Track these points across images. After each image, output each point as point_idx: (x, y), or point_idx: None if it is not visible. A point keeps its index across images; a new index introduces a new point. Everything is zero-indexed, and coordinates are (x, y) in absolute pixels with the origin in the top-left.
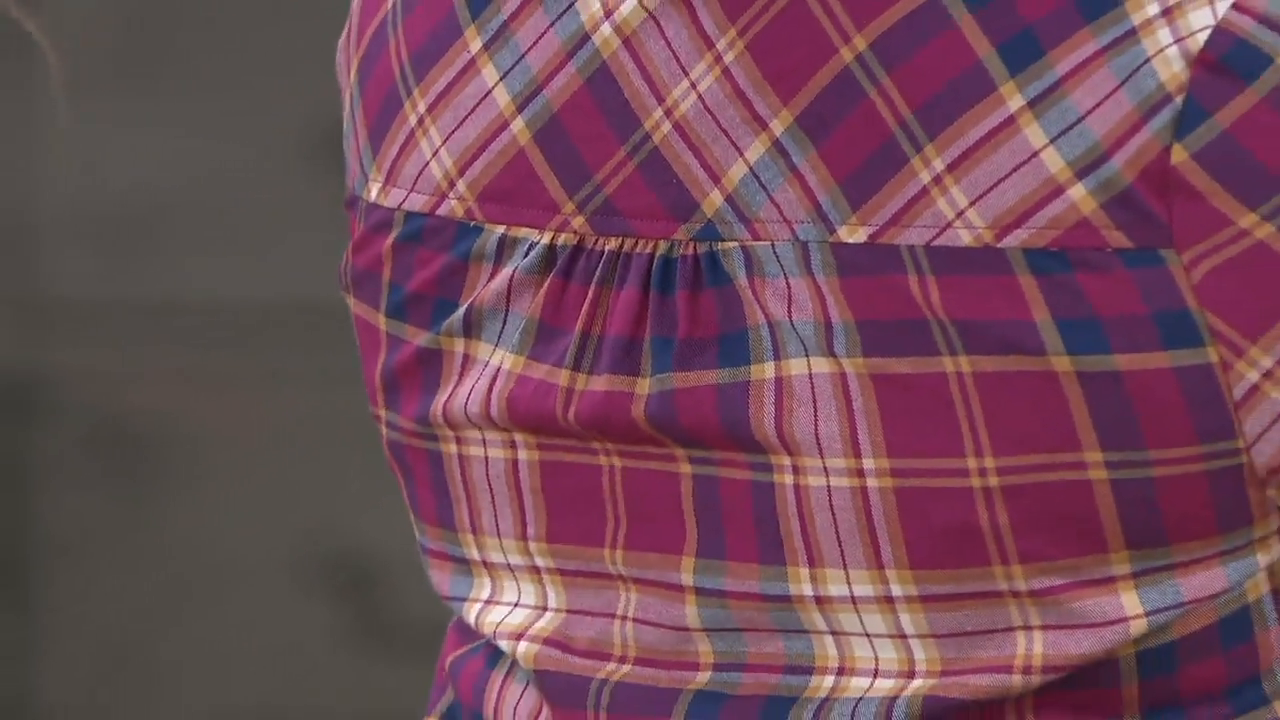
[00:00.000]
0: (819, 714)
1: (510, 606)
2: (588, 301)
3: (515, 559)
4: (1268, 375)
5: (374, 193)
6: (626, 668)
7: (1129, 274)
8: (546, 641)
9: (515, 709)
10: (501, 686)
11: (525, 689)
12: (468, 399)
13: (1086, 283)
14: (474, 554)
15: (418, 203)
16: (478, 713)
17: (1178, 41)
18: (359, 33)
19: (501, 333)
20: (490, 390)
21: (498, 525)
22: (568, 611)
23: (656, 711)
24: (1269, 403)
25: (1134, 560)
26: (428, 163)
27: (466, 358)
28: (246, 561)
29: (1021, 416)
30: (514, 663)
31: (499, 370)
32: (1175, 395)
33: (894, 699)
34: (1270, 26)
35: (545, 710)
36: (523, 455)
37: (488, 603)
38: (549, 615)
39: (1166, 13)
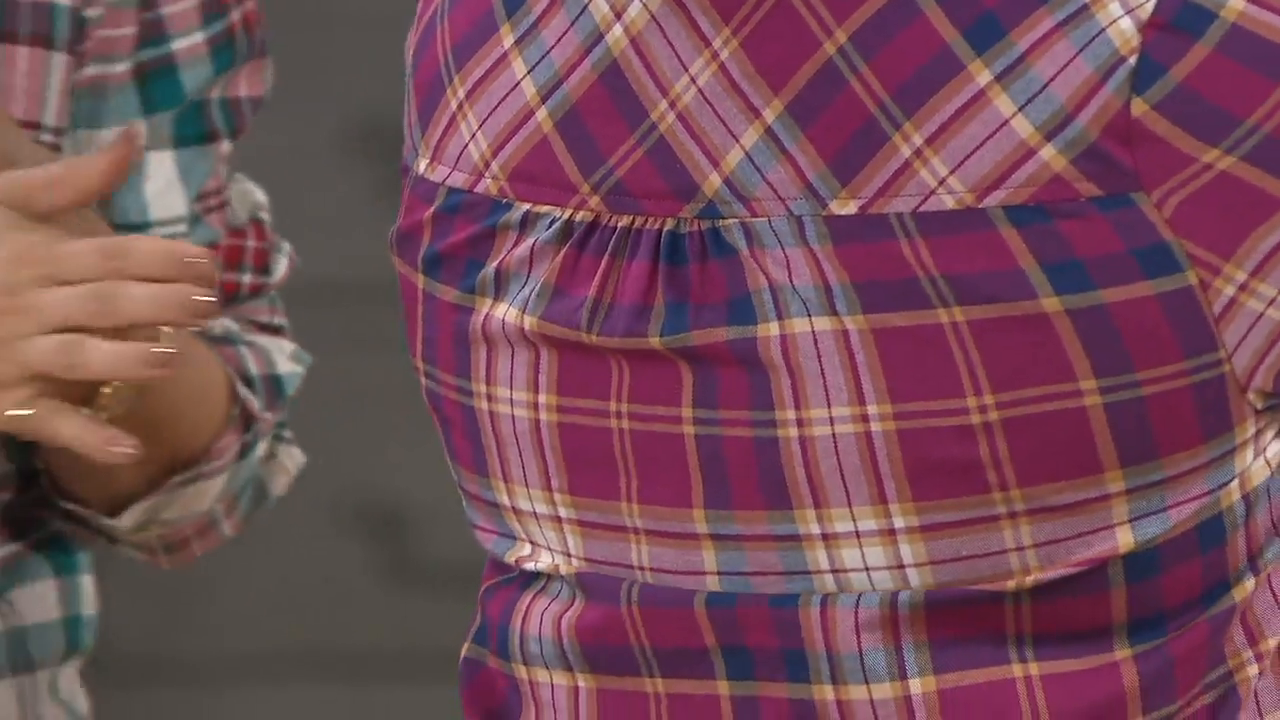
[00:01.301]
0: (827, 596)
1: (541, 548)
2: (600, 271)
3: (541, 508)
4: (1243, 287)
5: (422, 167)
6: (647, 575)
7: (1104, 217)
8: (586, 560)
9: (542, 616)
10: (531, 601)
11: (553, 601)
12: (493, 357)
13: (1067, 229)
14: (504, 500)
15: (459, 180)
16: (504, 627)
17: (1129, 12)
18: (418, 20)
19: (519, 293)
20: (527, 351)
21: (525, 476)
22: (586, 559)
23: (682, 603)
24: (1245, 312)
25: (1127, 477)
26: (466, 144)
27: (489, 316)
28: (290, 507)
29: (1016, 355)
30: (546, 581)
31: (533, 331)
32: (1159, 319)
33: (896, 592)
34: None
35: (573, 609)
36: (544, 416)
37: (519, 541)
38: (574, 562)
39: None
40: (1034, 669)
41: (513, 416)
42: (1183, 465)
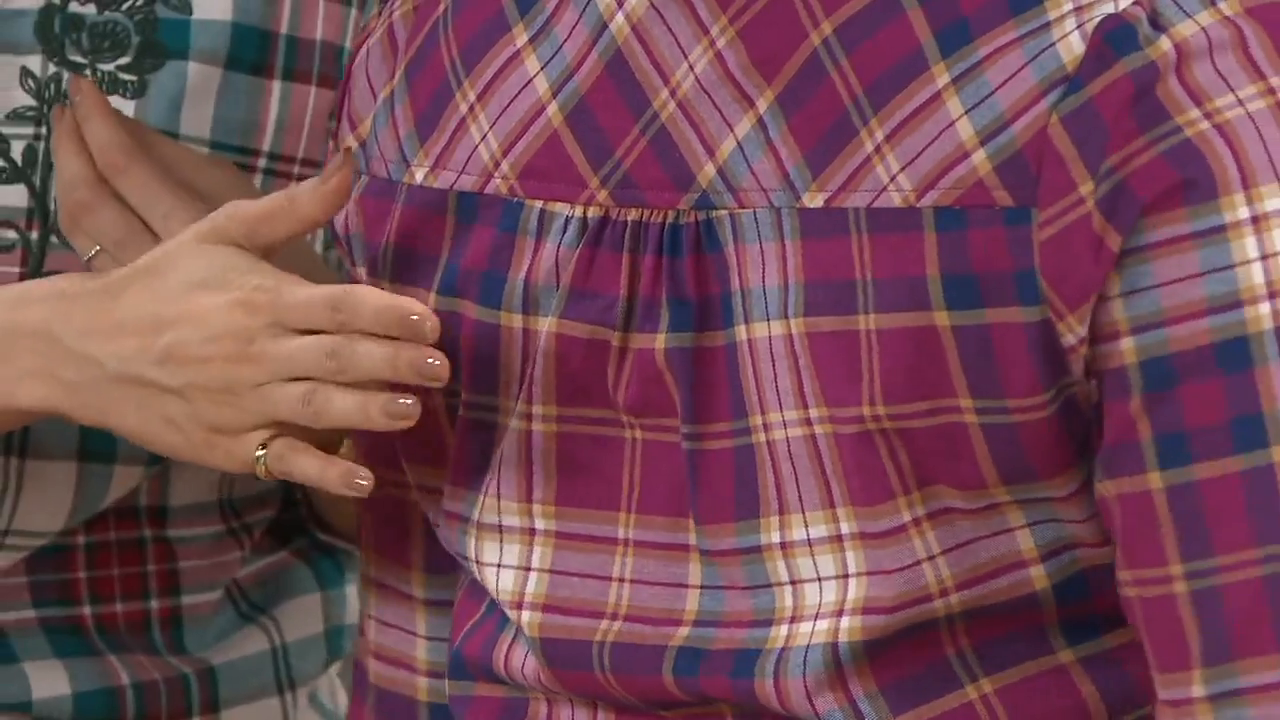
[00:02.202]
0: (778, 665)
1: (494, 567)
2: (623, 267)
3: (510, 520)
4: (1082, 342)
5: (419, 176)
6: (618, 624)
7: (1005, 232)
8: (545, 609)
9: (523, 669)
10: (510, 648)
11: (528, 653)
12: (526, 370)
13: (974, 239)
14: (478, 516)
15: (468, 183)
16: (489, 668)
17: (1079, 27)
18: (406, 45)
19: (551, 305)
20: (538, 357)
21: (499, 489)
22: (552, 572)
23: (650, 669)
24: (1081, 362)
25: (1012, 492)
26: (477, 146)
27: (526, 332)
28: None
29: (908, 367)
30: (518, 629)
31: (543, 336)
32: (1024, 348)
33: (836, 644)
34: (1155, 18)
35: (545, 673)
36: (538, 427)
37: (479, 563)
38: (534, 576)
39: (1078, 8)
40: (986, 686)
41: (505, 428)
42: (1064, 488)
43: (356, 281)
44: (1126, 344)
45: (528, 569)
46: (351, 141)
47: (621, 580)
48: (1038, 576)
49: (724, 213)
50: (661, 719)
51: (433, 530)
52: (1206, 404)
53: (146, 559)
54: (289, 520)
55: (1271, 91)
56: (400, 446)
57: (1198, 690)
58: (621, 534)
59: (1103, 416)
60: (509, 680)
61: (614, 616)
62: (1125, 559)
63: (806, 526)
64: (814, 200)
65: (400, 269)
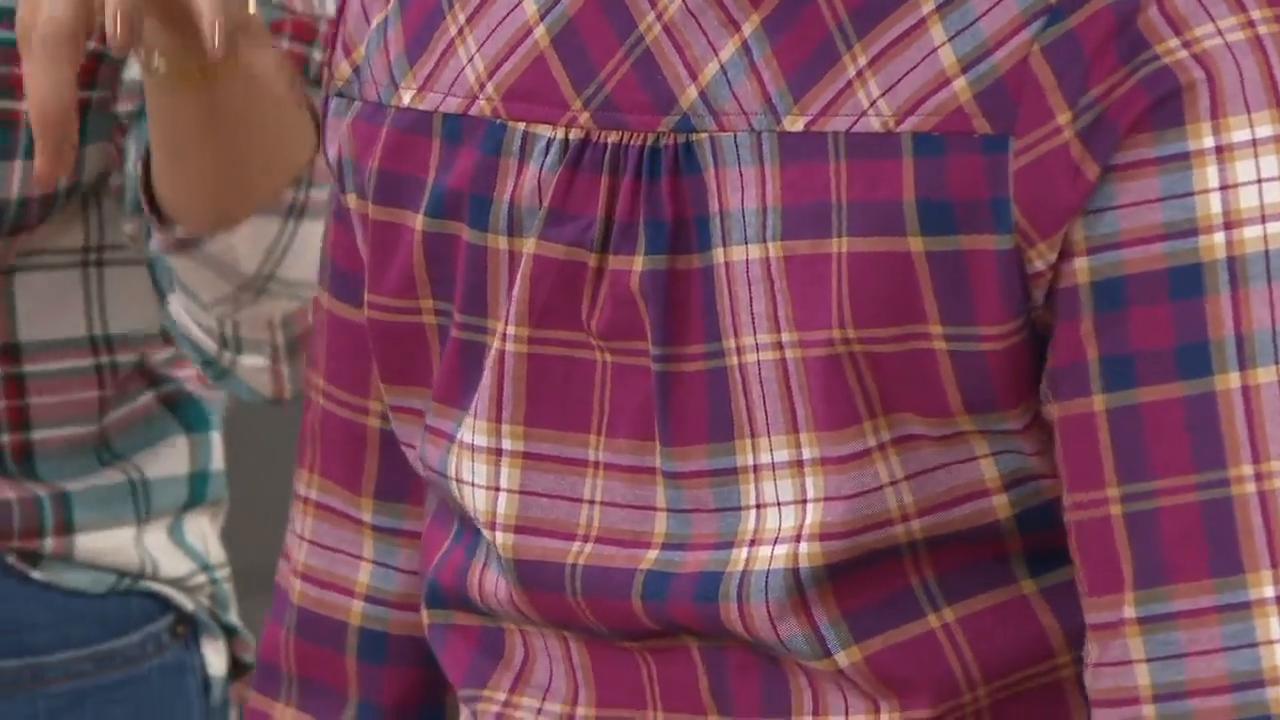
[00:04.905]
0: (740, 588)
1: (470, 485)
2: (602, 189)
3: (480, 439)
4: (1051, 267)
5: (406, 98)
6: (590, 546)
7: (983, 160)
8: (518, 530)
9: (496, 593)
10: (482, 573)
11: (499, 577)
12: (514, 292)
13: (952, 165)
14: (460, 433)
15: (453, 105)
16: (464, 596)
17: None
18: None
19: (530, 226)
20: (516, 278)
21: (475, 406)
22: (522, 493)
23: (620, 593)
24: (1044, 288)
25: (975, 421)
26: (464, 68)
27: (511, 254)
28: None
29: (879, 291)
30: (489, 552)
31: (521, 258)
32: (995, 275)
33: (797, 569)
34: None
35: (518, 595)
36: (510, 347)
37: (459, 481)
38: (504, 496)
39: None
40: (949, 615)
41: (487, 346)
42: (1022, 419)
43: (344, 210)
44: (1081, 264)
45: (496, 489)
46: (346, 67)
47: (592, 502)
48: (1000, 505)
49: (704, 135)
50: (628, 650)
51: (388, 456)
52: (1154, 328)
53: None
54: (162, 366)
55: (1251, 24)
56: (382, 367)
57: (1128, 612)
58: (591, 456)
59: (1053, 338)
60: (483, 607)
61: (585, 539)
62: (1068, 483)
63: (771, 450)
64: (794, 124)
65: (386, 192)
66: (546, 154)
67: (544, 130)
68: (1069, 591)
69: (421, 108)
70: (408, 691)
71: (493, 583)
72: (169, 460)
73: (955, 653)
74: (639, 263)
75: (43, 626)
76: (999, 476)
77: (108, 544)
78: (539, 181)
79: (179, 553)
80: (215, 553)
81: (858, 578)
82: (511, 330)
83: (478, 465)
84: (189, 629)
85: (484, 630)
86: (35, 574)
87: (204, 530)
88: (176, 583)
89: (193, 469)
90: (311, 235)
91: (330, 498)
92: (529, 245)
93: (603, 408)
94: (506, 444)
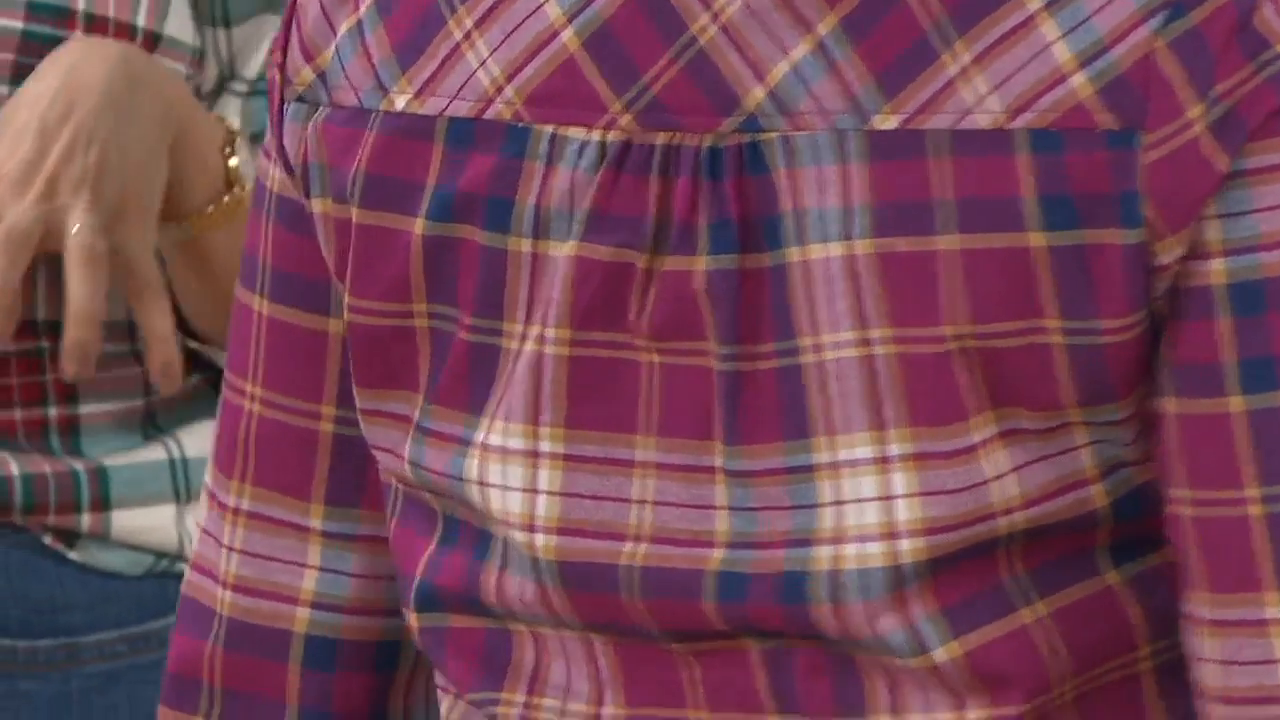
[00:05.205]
0: (834, 588)
1: (500, 489)
2: (649, 191)
3: (515, 442)
4: (1176, 261)
5: (400, 103)
6: (644, 547)
7: (1108, 155)
8: (561, 531)
9: (520, 595)
10: (500, 575)
11: (526, 579)
12: (534, 294)
13: (1071, 161)
14: (478, 437)
15: (462, 109)
16: (470, 598)
17: None
18: None
19: (569, 229)
20: (555, 281)
21: (506, 411)
22: (564, 495)
23: (687, 593)
24: (1167, 281)
25: (1084, 413)
26: (474, 72)
27: (535, 256)
28: None
29: (997, 288)
30: (508, 553)
31: (560, 260)
32: (1121, 269)
33: (898, 566)
34: None
35: (558, 597)
36: (551, 350)
37: (483, 484)
38: (543, 499)
39: None
40: (1042, 609)
41: (519, 351)
42: (1129, 409)
43: (300, 214)
44: (1217, 265)
45: (535, 491)
46: (309, 73)
47: (642, 502)
48: (1097, 494)
49: (773, 135)
50: (667, 651)
51: (341, 461)
52: None
53: (45, 369)
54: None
55: None
56: (361, 371)
57: (1272, 612)
58: (639, 456)
59: (1174, 334)
60: (496, 609)
61: (636, 539)
62: (1186, 478)
63: (854, 448)
64: (886, 123)
65: (375, 196)
66: (580, 156)
67: (576, 133)
68: (1149, 583)
69: (421, 112)
70: (359, 697)
71: (516, 585)
72: (208, 439)
73: (1049, 646)
74: (703, 263)
75: (78, 607)
76: (1096, 465)
77: (145, 522)
78: (573, 184)
79: None
80: None
81: (956, 573)
82: (552, 333)
83: (510, 468)
84: None
85: (488, 632)
86: (72, 555)
87: None
88: None
89: None
90: None
91: (267, 506)
92: (567, 248)
93: (651, 408)
94: (545, 446)
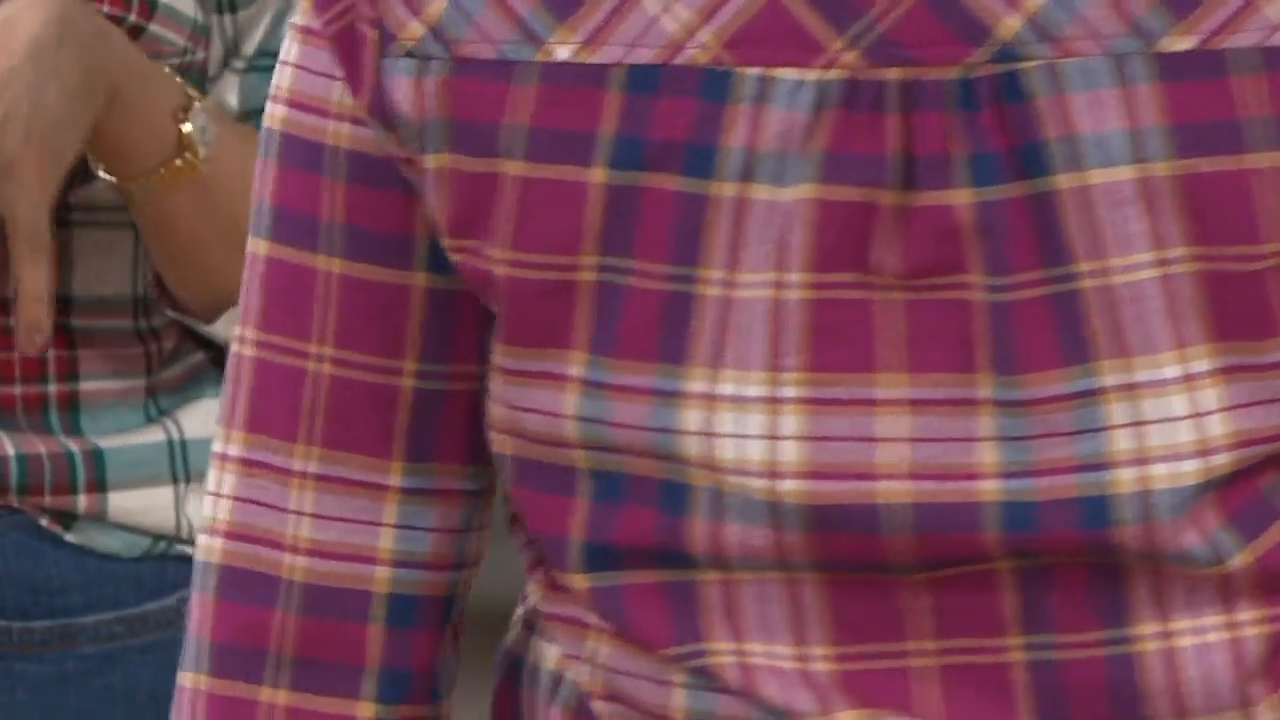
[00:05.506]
0: (1143, 508)
1: (732, 438)
2: (888, 128)
3: (753, 389)
4: None
5: (562, 53)
6: (904, 485)
7: None
8: (811, 475)
9: (746, 540)
10: (712, 527)
11: (753, 526)
12: (741, 241)
13: None
14: (696, 387)
15: (645, 56)
16: (662, 552)
17: None
18: None
19: (787, 173)
20: (777, 228)
21: (733, 359)
22: (810, 439)
23: (964, 526)
24: None
25: None
26: (655, 20)
27: (741, 201)
28: None
29: None
30: (719, 502)
31: (793, 204)
32: None
33: (1209, 481)
34: None
35: (799, 540)
36: (794, 295)
37: (709, 435)
38: (788, 445)
39: None
40: None
41: (749, 298)
42: None
43: (394, 169)
44: None
45: (777, 438)
46: (417, 27)
47: (894, 440)
48: None
49: (1034, 64)
50: (891, 583)
51: (421, 417)
52: None
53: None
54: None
55: None
56: (514, 329)
57: None
58: (885, 394)
59: None
60: (699, 559)
61: (892, 477)
62: None
63: (1160, 368)
64: (1177, 44)
65: (542, 148)
66: (795, 97)
67: (788, 73)
68: None
69: (592, 61)
70: (433, 652)
71: (738, 533)
72: (211, 421)
73: None
74: (965, 195)
75: (75, 588)
76: None
77: (143, 504)
78: (791, 126)
79: None
80: None
81: (1248, 480)
82: (795, 277)
83: (748, 416)
84: None
85: (671, 584)
86: (69, 537)
87: None
88: None
89: None
90: None
91: (339, 468)
92: (801, 190)
93: (897, 346)
94: (789, 392)
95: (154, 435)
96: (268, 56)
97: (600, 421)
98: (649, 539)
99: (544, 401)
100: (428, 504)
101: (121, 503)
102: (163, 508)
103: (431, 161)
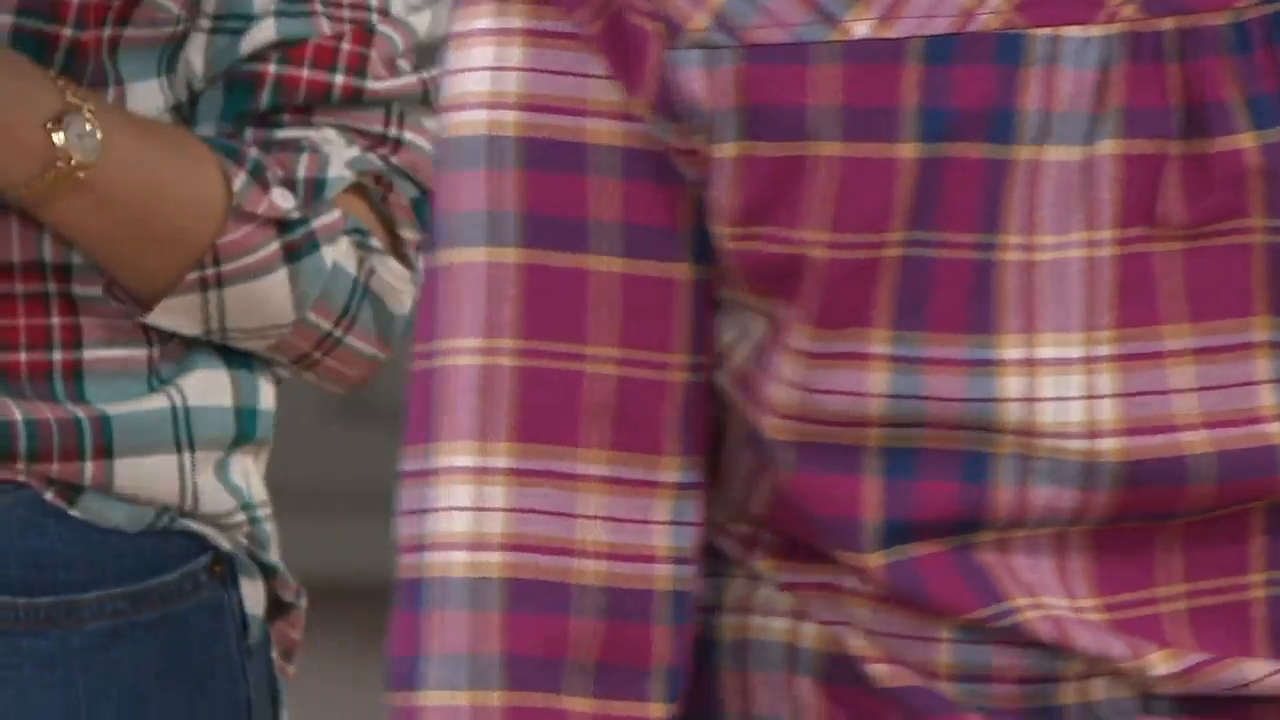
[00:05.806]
0: None
1: (1053, 401)
2: (1170, 77)
3: (1073, 351)
4: None
5: (860, 30)
6: (1203, 434)
7: None
8: (1131, 432)
9: (1055, 502)
10: (1020, 492)
11: (1063, 488)
12: (1038, 204)
13: None
14: (1012, 354)
15: (940, 25)
16: (967, 522)
17: None
18: None
19: (1084, 131)
20: (1078, 188)
21: (1062, 320)
22: (1125, 395)
23: (1263, 471)
24: None
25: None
26: None
27: (1035, 164)
28: None
29: None
30: (1025, 467)
31: (1094, 162)
32: None
33: None
34: None
35: (1110, 498)
36: (1105, 253)
37: (1030, 400)
38: (1106, 403)
39: None
40: None
41: (1059, 260)
42: None
43: (668, 163)
44: None
45: (1095, 397)
46: (703, 18)
47: (1185, 391)
48: None
49: None
50: (1148, 532)
51: (689, 409)
52: None
53: (50, 311)
54: None
55: None
56: (824, 313)
57: None
58: (1170, 345)
59: None
60: (998, 523)
61: (1190, 427)
62: None
63: None
64: None
65: (854, 127)
66: (1082, 55)
67: (1073, 31)
68: None
69: (890, 35)
70: (691, 645)
71: (1046, 496)
72: (213, 390)
73: None
74: (1250, 139)
75: (79, 564)
76: None
77: (148, 471)
78: (1081, 83)
79: (222, 490)
80: (257, 491)
81: None
82: (1107, 235)
83: (1070, 378)
84: (226, 568)
85: (952, 552)
86: (73, 512)
87: (247, 468)
88: (214, 520)
89: (238, 404)
90: (249, 294)
91: (624, 468)
92: (1104, 147)
93: (1177, 296)
94: (1103, 350)
95: (158, 402)
96: (236, 19)
97: (912, 397)
98: (949, 510)
99: (846, 382)
100: (693, 498)
101: (128, 470)
102: (167, 474)
103: (722, 150)
